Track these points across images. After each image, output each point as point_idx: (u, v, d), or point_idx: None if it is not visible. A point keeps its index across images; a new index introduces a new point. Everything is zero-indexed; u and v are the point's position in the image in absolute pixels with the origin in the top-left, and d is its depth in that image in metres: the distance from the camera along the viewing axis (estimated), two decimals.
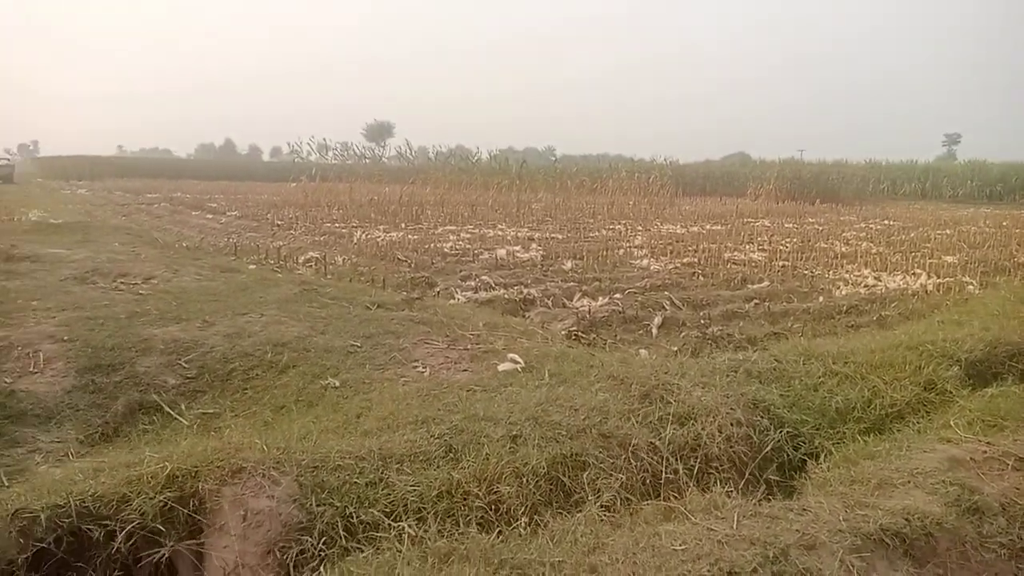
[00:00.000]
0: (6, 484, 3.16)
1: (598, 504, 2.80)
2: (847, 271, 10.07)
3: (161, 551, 2.58)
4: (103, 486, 2.70)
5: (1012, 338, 5.36)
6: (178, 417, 4.02)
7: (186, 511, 2.66)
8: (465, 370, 4.63)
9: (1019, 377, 4.82)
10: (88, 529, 2.58)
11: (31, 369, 4.43)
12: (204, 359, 4.55)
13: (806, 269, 10.17)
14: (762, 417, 3.80)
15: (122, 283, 6.80)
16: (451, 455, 3.07)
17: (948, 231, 16.34)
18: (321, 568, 2.24)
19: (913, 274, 9.76)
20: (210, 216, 17.38)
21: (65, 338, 4.80)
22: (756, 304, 7.65)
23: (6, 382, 4.26)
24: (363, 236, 12.86)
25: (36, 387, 4.23)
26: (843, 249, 12.40)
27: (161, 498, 2.64)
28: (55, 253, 8.63)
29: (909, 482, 3.01)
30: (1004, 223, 19.11)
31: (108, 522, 2.60)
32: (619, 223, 16.85)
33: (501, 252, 10.94)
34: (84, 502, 2.62)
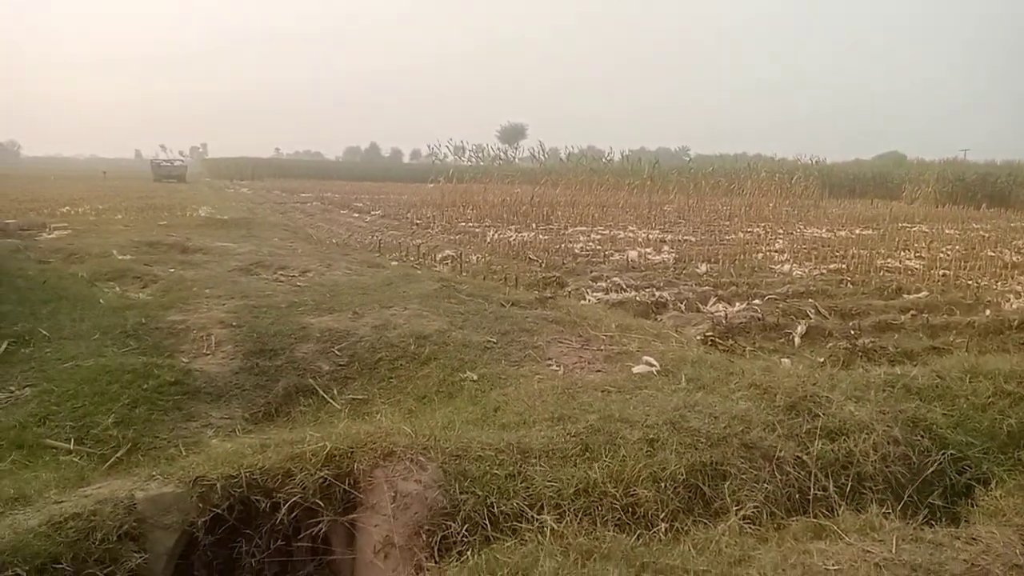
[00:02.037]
0: (185, 454, 3.51)
1: (741, 515, 2.72)
2: (1019, 283, 9.10)
3: (319, 524, 2.78)
4: (269, 460, 2.93)
5: None
6: (331, 401, 4.30)
7: (342, 488, 2.84)
8: (599, 370, 4.63)
9: None
10: (256, 499, 2.82)
11: (204, 351, 4.90)
12: (355, 348, 4.84)
13: (970, 279, 9.29)
14: (923, 437, 3.52)
15: (282, 275, 7.37)
16: (587, 454, 3.08)
17: None
18: (468, 553, 2.32)
19: None
20: (356, 215, 18.43)
21: (233, 323, 5.27)
22: (913, 315, 7.10)
23: (184, 362, 4.73)
24: (496, 236, 13.14)
25: (209, 367, 4.67)
26: (1014, 259, 11.22)
27: (321, 475, 2.84)
28: (223, 246, 9.49)
29: None
30: None
31: (274, 494, 2.82)
32: (758, 226, 16.17)
33: (632, 254, 10.81)
34: (253, 474, 2.86)
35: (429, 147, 48.17)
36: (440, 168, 34.11)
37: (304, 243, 10.59)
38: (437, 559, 2.45)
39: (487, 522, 2.60)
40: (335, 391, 4.40)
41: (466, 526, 2.59)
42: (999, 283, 9.10)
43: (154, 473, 2.93)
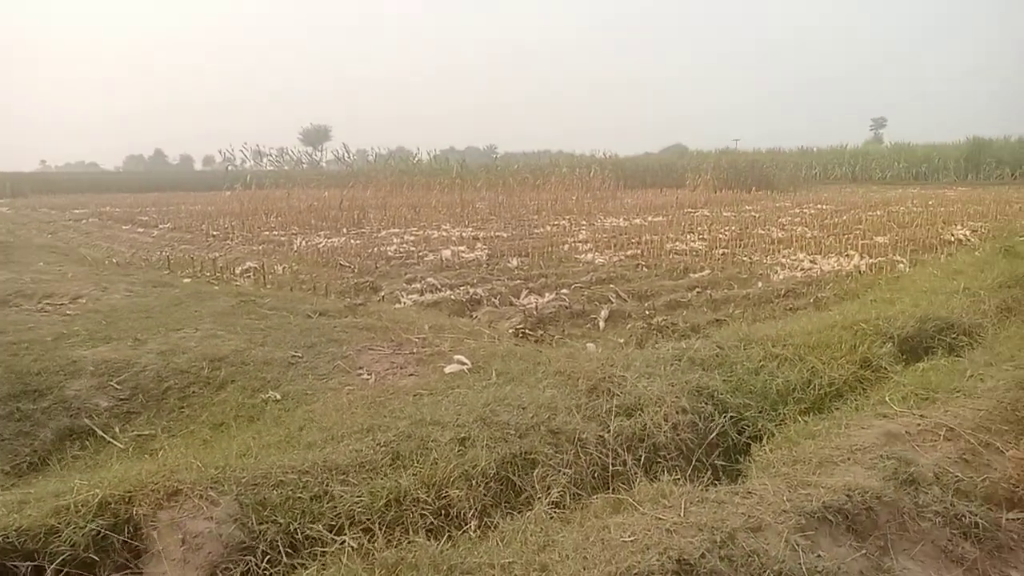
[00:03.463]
0: None
1: (548, 501, 2.79)
2: (784, 256, 10.35)
3: None
4: (28, 519, 2.55)
5: (940, 313, 5.59)
6: (112, 440, 3.85)
7: (121, 538, 2.54)
8: (411, 375, 4.57)
9: (948, 350, 5.01)
10: (13, 566, 2.44)
11: None
12: (137, 379, 4.36)
13: (745, 256, 10.40)
14: (706, 403, 3.85)
15: (48, 304, 6.49)
16: (398, 462, 3.02)
17: (878, 212, 16.99)
18: None
19: (847, 255, 10.10)
20: (141, 230, 16.77)
21: None
22: (698, 292, 7.79)
23: None
24: (303, 243, 12.60)
25: None
26: (779, 235, 12.74)
27: (93, 526, 2.52)
28: None
29: (849, 459, 3.09)
30: (930, 202, 19.98)
31: (35, 557, 2.46)
32: (563, 219, 16.94)
33: (446, 253, 10.87)
34: (8, 537, 2.47)
35: (222, 152, 45.31)
36: (237, 174, 32.22)
37: (76, 265, 9.42)
38: None
39: (289, 551, 2.44)
40: (116, 429, 3.93)
41: (267, 558, 2.42)
42: (768, 257, 10.27)
43: None
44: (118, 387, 4.30)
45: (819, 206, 19.68)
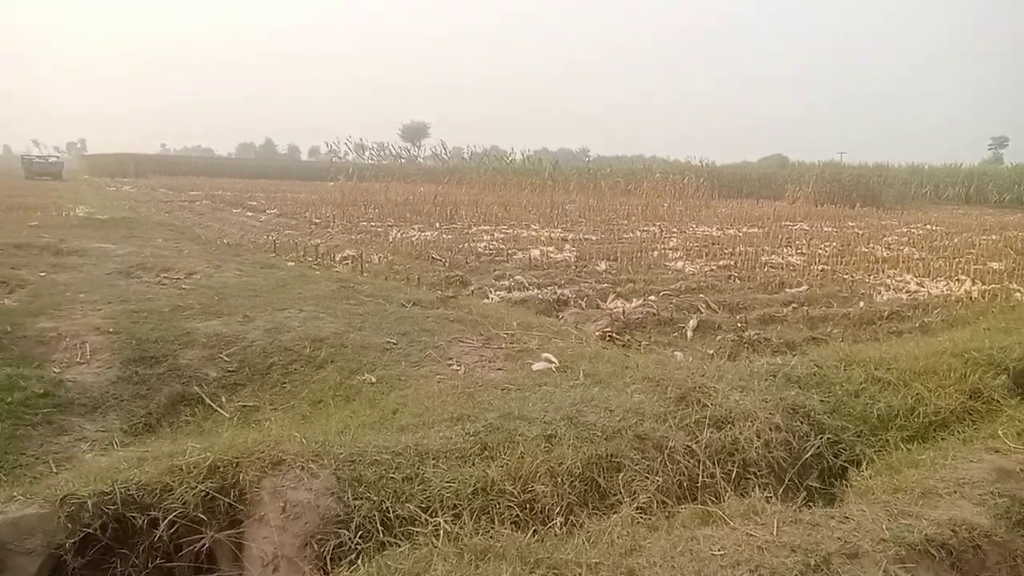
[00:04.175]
0: (55, 471, 3.25)
1: (634, 506, 2.78)
2: (889, 276, 9.85)
3: (202, 540, 2.63)
4: (147, 475, 2.76)
5: None
6: (219, 409, 4.10)
7: (227, 501, 2.70)
8: (500, 369, 4.64)
9: None
10: (132, 516, 2.64)
11: (78, 360, 4.56)
12: (244, 353, 4.63)
13: (846, 274, 9.96)
14: (802, 423, 3.73)
15: (166, 278, 6.96)
16: (486, 453, 3.07)
17: (994, 236, 15.87)
18: (359, 561, 2.26)
19: (957, 280, 9.51)
20: (250, 214, 17.69)
21: (111, 330, 4.93)
22: (794, 308, 7.52)
23: (55, 372, 4.39)
24: (398, 235, 12.96)
25: (83, 377, 4.35)
26: (884, 254, 12.14)
27: (203, 488, 2.69)
28: (101, 248, 8.87)
29: (955, 492, 2.93)
30: None
31: (151, 510, 2.65)
32: (654, 225, 16.72)
33: (535, 252, 10.93)
34: (129, 490, 2.68)
35: (328, 144, 47.11)
36: (340, 166, 33.43)
37: (191, 243, 10.05)
38: (328, 569, 2.37)
39: (382, 528, 2.54)
40: (223, 399, 4.19)
41: (360, 533, 2.52)
42: (871, 276, 9.80)
43: (15, 494, 2.69)
44: (227, 359, 4.58)
45: (928, 226, 18.58)
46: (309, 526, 2.57)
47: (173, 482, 2.73)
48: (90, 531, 2.59)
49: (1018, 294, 8.56)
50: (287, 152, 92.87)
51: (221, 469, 2.79)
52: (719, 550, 2.25)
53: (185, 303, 5.67)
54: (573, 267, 9.95)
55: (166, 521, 2.62)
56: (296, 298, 6.01)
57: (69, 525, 2.57)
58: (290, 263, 8.85)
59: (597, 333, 6.38)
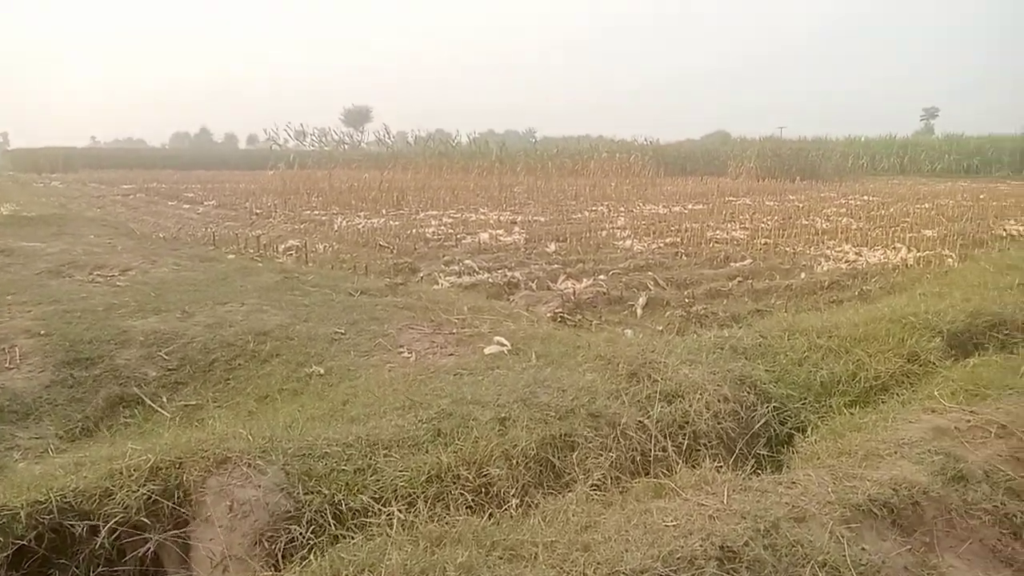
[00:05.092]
0: None
1: (589, 484, 2.79)
2: (828, 247, 10.14)
3: (147, 544, 2.54)
4: (84, 481, 2.65)
5: (992, 308, 5.41)
6: (160, 409, 3.96)
7: (171, 503, 2.61)
8: (451, 354, 4.60)
9: (999, 346, 4.87)
10: (70, 525, 2.53)
11: (7, 365, 4.34)
12: (185, 350, 4.48)
13: (788, 246, 10.21)
14: (749, 393, 3.80)
15: (99, 275, 6.68)
16: (439, 439, 3.04)
17: (927, 205, 16.50)
18: (311, 556, 2.21)
19: (893, 248, 9.85)
20: (187, 206, 17.13)
21: (42, 332, 4.71)
22: (739, 282, 7.68)
23: None
24: (344, 223, 12.74)
25: (13, 383, 4.15)
26: (824, 225, 12.48)
27: (144, 491, 2.60)
28: (29, 247, 8.46)
29: (895, 452, 3.03)
30: (981, 196, 19.35)
31: (91, 517, 2.55)
32: (601, 204, 16.83)
33: (484, 236, 10.89)
34: (65, 497, 2.56)
35: (267, 132, 45.91)
36: (280, 154, 32.62)
37: (125, 239, 9.67)
38: (280, 566, 2.31)
39: (334, 521, 2.49)
40: (164, 399, 4.05)
41: (311, 528, 2.47)
42: (812, 248, 10.07)
43: None
44: (166, 357, 4.42)
45: (865, 197, 19.20)
46: (258, 524, 2.50)
47: (113, 486, 2.62)
48: (24, 543, 2.47)
49: (950, 260, 8.92)
50: (224, 141, 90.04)
51: (163, 470, 2.70)
52: (672, 521, 2.28)
53: (120, 301, 5.45)
54: (523, 249, 9.95)
55: (107, 527, 2.52)
56: (238, 291, 5.85)
57: (0, 539, 2.44)
58: (230, 256, 8.60)
59: (548, 314, 6.39)
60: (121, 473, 2.66)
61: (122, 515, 2.55)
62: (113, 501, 2.56)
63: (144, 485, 2.61)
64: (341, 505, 2.56)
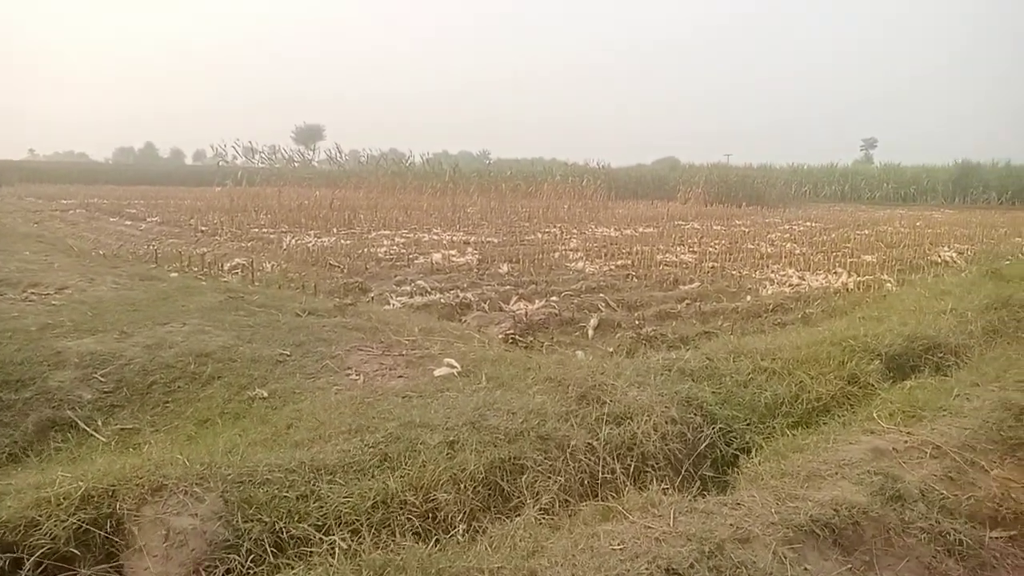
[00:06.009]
0: None
1: (537, 508, 2.78)
2: (773, 271, 10.41)
3: None
4: (9, 510, 2.51)
5: (927, 332, 5.63)
6: (94, 434, 3.79)
7: (102, 533, 2.50)
8: (401, 376, 4.54)
9: (935, 369, 5.05)
10: None
11: None
12: (122, 372, 4.31)
13: (734, 270, 10.45)
14: (695, 414, 3.85)
15: (33, 294, 6.40)
16: (386, 464, 2.99)
17: (867, 231, 17.13)
18: None
19: (835, 273, 10.17)
20: (129, 223, 16.63)
21: None
22: (688, 304, 7.81)
23: None
24: (293, 241, 12.53)
25: None
26: (769, 250, 12.83)
27: (74, 520, 2.48)
28: None
29: (836, 473, 3.10)
30: (918, 223, 20.20)
31: (14, 549, 2.42)
32: (554, 226, 16.97)
33: (436, 256, 10.85)
34: None
35: (214, 148, 45.06)
36: (228, 170, 32.02)
37: (63, 256, 9.31)
38: None
39: (275, 550, 2.41)
40: (99, 422, 3.88)
41: (251, 557, 2.38)
42: (757, 272, 10.33)
43: None
44: (102, 380, 4.25)
45: (808, 223, 19.83)
46: (195, 553, 2.41)
47: (40, 516, 2.49)
48: None
49: (889, 284, 9.25)
50: (170, 156, 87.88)
51: (95, 498, 2.58)
52: (619, 544, 2.27)
53: (55, 320, 5.22)
54: (475, 270, 9.94)
55: (31, 559, 2.40)
56: (179, 311, 5.67)
57: None
58: (173, 274, 8.36)
59: (500, 336, 6.38)
60: (49, 502, 2.53)
61: (49, 546, 2.42)
62: (39, 532, 2.44)
63: (74, 514, 2.49)
64: (282, 533, 2.49)
